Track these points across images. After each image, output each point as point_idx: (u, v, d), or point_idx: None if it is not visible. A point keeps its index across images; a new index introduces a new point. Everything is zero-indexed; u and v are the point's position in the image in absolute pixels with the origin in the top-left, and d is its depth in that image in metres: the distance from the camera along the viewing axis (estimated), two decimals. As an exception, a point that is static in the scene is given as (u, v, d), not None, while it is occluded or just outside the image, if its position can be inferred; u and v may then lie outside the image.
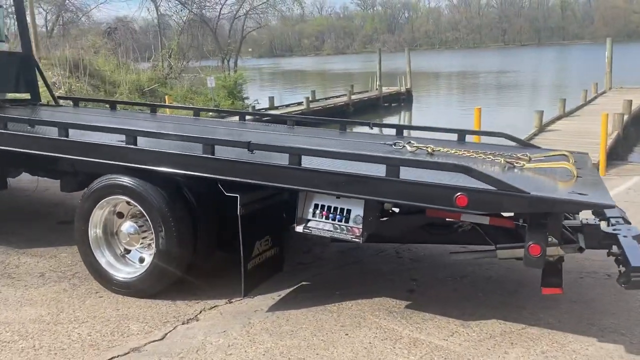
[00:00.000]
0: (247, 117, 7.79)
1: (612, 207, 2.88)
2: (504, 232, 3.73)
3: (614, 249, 3.59)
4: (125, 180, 3.95)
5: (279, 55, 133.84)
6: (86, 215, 4.13)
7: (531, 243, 3.09)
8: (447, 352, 3.35)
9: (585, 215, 4.05)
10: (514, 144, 5.13)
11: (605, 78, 29.09)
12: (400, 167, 3.19)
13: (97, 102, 7.28)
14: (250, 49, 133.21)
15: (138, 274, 4.05)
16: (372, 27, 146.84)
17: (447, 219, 3.83)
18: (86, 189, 4.16)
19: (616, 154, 13.71)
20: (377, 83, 30.07)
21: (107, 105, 7.23)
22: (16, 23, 7.12)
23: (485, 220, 3.57)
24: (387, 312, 3.90)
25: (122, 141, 3.95)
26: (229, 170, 3.59)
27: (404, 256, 5.16)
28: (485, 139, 5.62)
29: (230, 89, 22.76)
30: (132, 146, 3.88)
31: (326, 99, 27.74)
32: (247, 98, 24.85)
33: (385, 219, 3.92)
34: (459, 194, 3.04)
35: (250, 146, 3.55)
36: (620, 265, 3.31)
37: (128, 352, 3.29)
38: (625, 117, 16.69)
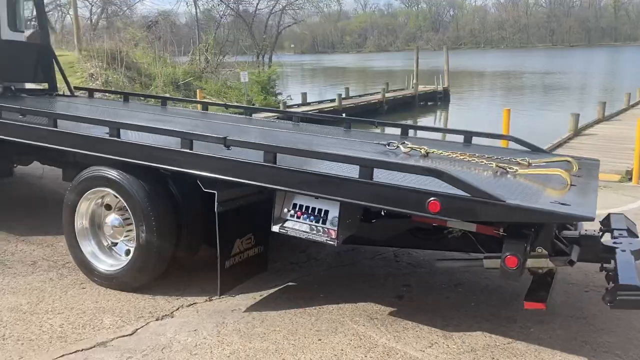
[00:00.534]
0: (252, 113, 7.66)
1: (589, 219, 2.66)
2: (497, 240, 3.54)
3: (612, 263, 3.35)
4: (109, 172, 3.93)
5: (320, 51, 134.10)
6: (72, 206, 4.14)
7: (508, 254, 2.90)
8: (420, 365, 3.20)
9: (592, 226, 3.82)
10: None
11: (655, 81, 27.84)
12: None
13: (111, 94, 7.34)
14: (292, 45, 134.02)
15: (120, 267, 4.03)
16: (415, 25, 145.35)
17: (434, 225, 3.67)
18: (74, 180, 4.16)
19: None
20: (413, 81, 29.62)
21: (143, 97, 7.29)
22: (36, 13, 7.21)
23: (472, 228, 3.39)
24: (368, 318, 3.76)
25: (107, 133, 3.93)
26: (205, 166, 3.52)
27: (401, 260, 4.99)
28: (496, 143, 5.41)
29: (263, 84, 22.82)
30: (108, 137, 3.85)
31: (360, 96, 27.48)
32: (280, 94, 24.88)
33: (370, 221, 3.77)
34: (431, 199, 2.87)
35: (226, 142, 3.46)
36: (610, 282, 3.08)
37: (94, 346, 3.26)
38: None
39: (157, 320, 3.65)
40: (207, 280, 4.19)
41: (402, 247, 4.76)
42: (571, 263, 3.33)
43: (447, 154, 4.07)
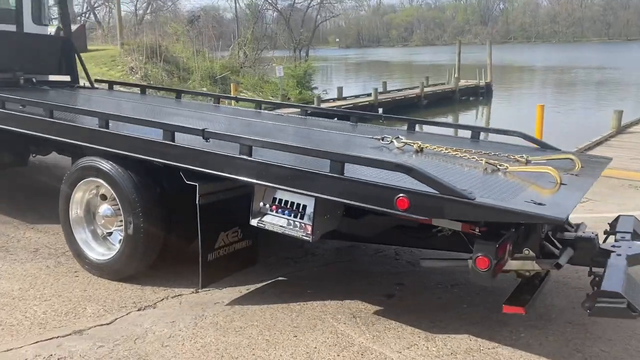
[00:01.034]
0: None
1: (557, 221, 2.49)
2: None
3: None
4: (100, 163, 3.98)
5: (365, 45, 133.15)
6: (67, 195, 4.22)
7: (479, 255, 2.76)
8: (392, 366, 3.10)
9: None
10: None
11: None
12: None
13: (129, 86, 7.47)
14: (337, 40, 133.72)
15: (110, 256, 4.08)
16: (464, 19, 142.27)
17: (420, 223, 3.54)
18: (69, 170, 4.24)
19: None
20: (455, 75, 28.99)
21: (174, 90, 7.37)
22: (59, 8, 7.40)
23: (458, 226, 3.26)
24: (350, 316, 3.68)
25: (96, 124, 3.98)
26: (185, 158, 3.51)
27: (401, 259, 4.87)
28: (508, 139, 5.19)
29: (299, 79, 22.82)
30: (93, 128, 3.89)
31: (398, 90, 27.12)
32: (315, 88, 24.81)
33: (356, 218, 3.68)
34: (399, 195, 2.76)
35: (204, 134, 3.44)
36: (595, 287, 2.90)
37: (69, 334, 3.30)
38: None
39: (138, 310, 3.68)
40: (197, 272, 4.19)
41: (390, 244, 4.64)
42: (558, 266, 3.15)
43: (441, 149, 3.92)
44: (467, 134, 4.99)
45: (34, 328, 3.37)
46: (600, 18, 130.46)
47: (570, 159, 3.84)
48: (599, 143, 12.86)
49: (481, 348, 3.35)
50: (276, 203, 3.43)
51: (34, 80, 6.71)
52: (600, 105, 27.02)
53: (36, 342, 3.19)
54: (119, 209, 4.06)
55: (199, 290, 3.98)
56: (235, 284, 4.10)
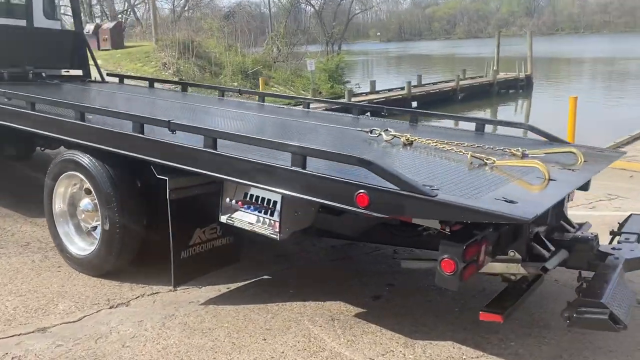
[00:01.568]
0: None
1: (521, 220, 2.21)
2: None
3: None
4: (78, 156, 3.89)
5: (407, 39, 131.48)
6: (50, 189, 4.16)
7: (444, 257, 2.51)
8: (360, 375, 2.88)
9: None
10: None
11: None
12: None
13: (139, 80, 7.45)
14: (378, 33, 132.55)
15: (90, 251, 4.00)
16: (508, 10, 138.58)
17: (401, 221, 3.30)
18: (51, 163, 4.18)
19: None
20: (493, 68, 28.13)
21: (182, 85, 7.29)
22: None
23: (437, 225, 3.01)
24: (329, 318, 3.47)
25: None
26: (153, 151, 3.37)
27: (399, 257, 4.61)
28: (517, 132, 4.89)
29: (330, 73, 22.57)
30: (69, 120, 3.80)
31: (434, 84, 26.52)
32: (348, 82, 24.50)
33: (338, 214, 3.47)
34: (360, 191, 2.54)
35: (170, 125, 3.29)
36: (581, 294, 2.60)
37: (32, 332, 3.22)
38: None
39: (110, 308, 3.57)
40: (179, 269, 4.07)
41: (374, 243, 4.39)
42: (544, 270, 2.86)
43: (429, 142, 3.66)
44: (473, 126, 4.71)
45: (-1, 324, 3.31)
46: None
47: (572, 152, 3.52)
48: (627, 142, 12.12)
49: (463, 357, 3.09)
50: (247, 199, 3.26)
51: (43, 74, 6.73)
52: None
53: (-4, 339, 3.12)
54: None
55: (177, 289, 3.85)
56: (216, 282, 3.95)
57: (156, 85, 7.35)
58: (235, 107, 5.71)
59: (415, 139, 3.73)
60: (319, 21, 31.04)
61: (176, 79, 19.52)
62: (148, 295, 3.77)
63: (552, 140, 4.28)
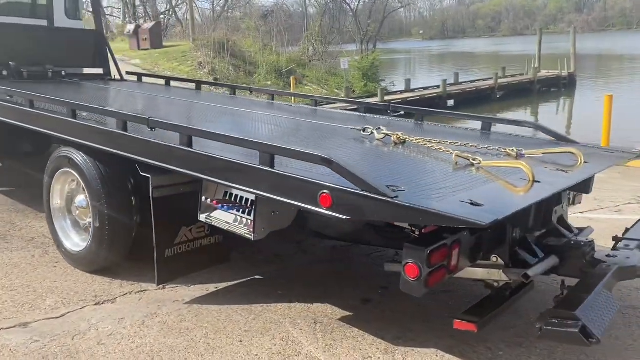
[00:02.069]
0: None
1: (477, 225, 2.05)
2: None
3: None
4: (71, 153, 3.92)
5: (450, 37, 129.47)
6: (47, 185, 4.22)
7: (408, 262, 2.38)
8: (331, 381, 2.78)
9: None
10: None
11: None
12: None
13: (156, 78, 7.53)
14: (421, 32, 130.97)
15: (82, 247, 4.02)
16: (556, 7, 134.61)
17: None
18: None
19: None
20: (535, 65, 27.30)
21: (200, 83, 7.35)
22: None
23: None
24: (312, 321, 3.38)
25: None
26: (135, 149, 3.35)
27: (399, 259, 4.47)
28: (527, 132, 4.67)
29: (364, 71, 22.38)
30: (59, 117, 3.84)
31: (471, 82, 25.95)
32: (382, 80, 24.24)
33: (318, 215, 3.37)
34: (323, 191, 2.44)
35: (149, 123, 3.26)
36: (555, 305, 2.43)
37: (14, 327, 3.24)
38: None
39: (95, 304, 3.58)
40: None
41: (363, 244, 4.25)
42: (526, 277, 2.68)
43: (419, 141, 3.51)
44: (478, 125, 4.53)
45: (-15, 319, 3.36)
46: None
47: (572, 152, 3.31)
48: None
49: (445, 366, 2.95)
50: (226, 197, 3.20)
51: (63, 73, 6.88)
52: None
53: (-23, 334, 3.17)
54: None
55: (166, 287, 3.84)
56: (205, 281, 3.91)
57: (173, 83, 7.38)
58: (239, 105, 5.69)
59: (407, 138, 3.59)
60: (354, 19, 30.79)
61: (211, 79, 19.78)
62: (136, 293, 3.76)
63: (561, 139, 4.06)
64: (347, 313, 3.52)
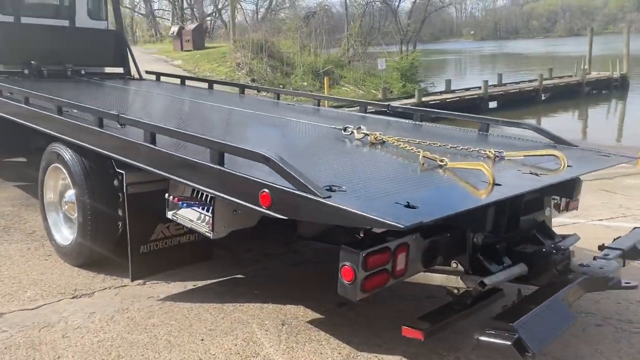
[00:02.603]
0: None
1: (391, 227, 1.92)
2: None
3: None
4: (60, 149, 4.00)
5: (502, 37, 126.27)
6: (41, 179, 4.32)
7: (344, 264, 2.28)
8: (280, 385, 2.71)
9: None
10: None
11: None
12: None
13: (173, 77, 7.63)
14: (472, 32, 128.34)
15: (69, 241, 4.10)
16: (617, 5, 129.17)
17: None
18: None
19: None
20: (584, 66, 26.26)
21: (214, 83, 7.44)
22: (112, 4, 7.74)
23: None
24: (279, 323, 3.31)
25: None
26: (107, 144, 3.38)
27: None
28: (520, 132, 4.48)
29: (403, 72, 22.09)
30: (48, 114, 3.92)
31: (516, 83, 25.19)
32: (421, 81, 23.85)
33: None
34: (263, 190, 2.37)
35: (119, 119, 3.27)
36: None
37: (-12, 316, 3.33)
38: None
39: (72, 298, 3.63)
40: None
41: (333, 244, 4.13)
42: (482, 285, 2.53)
43: (393, 141, 3.39)
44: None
45: (-38, 308, 3.46)
46: None
47: (555, 155, 3.12)
48: None
49: (406, 375, 2.83)
50: (193, 194, 3.18)
51: (82, 72, 7.06)
52: None
53: (-50, 323, 3.26)
54: (77, 195, 4.06)
55: (146, 283, 3.86)
56: (186, 278, 3.91)
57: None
58: (241, 104, 5.69)
59: (385, 138, 3.47)
60: (395, 19, 30.45)
61: (248, 79, 20.00)
62: (115, 288, 3.80)
63: (558, 141, 3.86)
64: (319, 316, 3.44)
